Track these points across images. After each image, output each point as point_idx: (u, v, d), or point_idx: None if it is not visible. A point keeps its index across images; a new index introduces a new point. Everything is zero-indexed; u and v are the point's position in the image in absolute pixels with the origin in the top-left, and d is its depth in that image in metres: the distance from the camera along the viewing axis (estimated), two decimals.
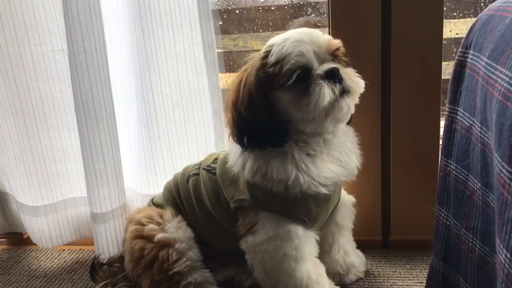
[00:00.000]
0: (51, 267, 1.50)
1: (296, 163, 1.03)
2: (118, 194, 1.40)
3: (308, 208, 1.07)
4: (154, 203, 1.26)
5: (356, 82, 1.02)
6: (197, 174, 1.18)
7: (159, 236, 1.13)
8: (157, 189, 1.41)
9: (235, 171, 1.09)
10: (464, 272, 0.84)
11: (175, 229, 1.15)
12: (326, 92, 0.96)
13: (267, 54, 1.00)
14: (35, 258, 1.56)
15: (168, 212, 1.18)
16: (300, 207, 1.06)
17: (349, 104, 1.01)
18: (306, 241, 1.08)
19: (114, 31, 1.35)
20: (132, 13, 1.30)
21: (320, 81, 0.97)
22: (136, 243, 1.15)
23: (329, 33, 1.29)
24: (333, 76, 0.98)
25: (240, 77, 1.03)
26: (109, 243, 1.41)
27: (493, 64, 0.69)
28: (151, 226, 1.15)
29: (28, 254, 1.59)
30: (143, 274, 1.14)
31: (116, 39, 1.36)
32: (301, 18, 1.51)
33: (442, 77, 1.28)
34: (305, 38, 0.99)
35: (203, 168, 1.18)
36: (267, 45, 1.03)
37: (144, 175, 1.43)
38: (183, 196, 1.20)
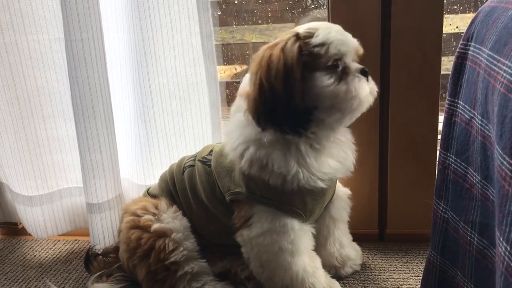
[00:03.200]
0: (46, 257, 1.49)
1: (298, 158, 1.02)
2: (114, 185, 1.39)
3: (304, 201, 1.07)
4: (149, 193, 1.25)
5: (374, 87, 1.05)
6: (193, 165, 1.18)
7: (155, 226, 1.13)
8: (153, 180, 1.40)
9: (231, 158, 1.08)
10: (461, 265, 0.84)
11: (171, 219, 1.14)
12: (366, 86, 1.00)
13: (309, 34, 0.98)
14: (30, 248, 1.55)
15: (163, 203, 1.17)
16: (296, 200, 1.06)
17: (371, 104, 1.05)
18: (302, 234, 1.08)
19: (112, 20, 1.34)
20: (130, 3, 1.28)
21: (359, 75, 0.99)
22: (132, 233, 1.14)
23: None
24: (365, 75, 1.01)
25: (270, 52, 0.98)
26: (104, 233, 1.41)
27: (496, 56, 0.69)
28: (147, 216, 1.15)
29: (23, 244, 1.58)
30: (139, 264, 1.14)
31: (113, 29, 1.35)
32: (307, 14, 1.50)
33: (441, 72, 1.28)
34: (345, 33, 1.01)
35: (199, 160, 1.17)
36: (307, 27, 1.01)
37: (140, 166, 1.43)
38: (178, 187, 1.19)
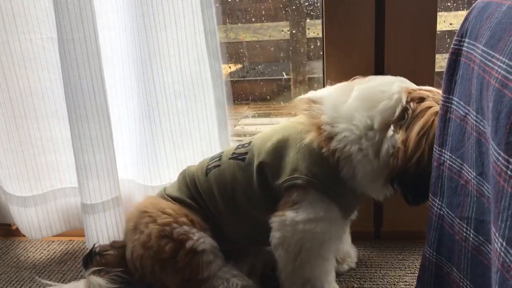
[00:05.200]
0: (40, 258, 1.48)
1: (374, 178, 1.03)
2: (110, 186, 1.37)
3: (355, 198, 1.09)
4: (168, 195, 1.21)
5: None
6: (218, 165, 1.16)
7: (190, 243, 1.11)
8: (159, 181, 1.39)
9: (326, 121, 1.04)
10: (457, 261, 0.84)
11: (203, 238, 1.13)
12: None
13: None
14: (24, 249, 1.54)
15: (196, 221, 1.15)
16: (349, 196, 1.07)
17: None
18: (345, 228, 1.12)
19: (113, 19, 1.32)
20: (132, 0, 1.27)
21: None
22: (166, 243, 1.11)
23: (322, 24, 1.29)
24: None
25: (434, 118, 0.98)
26: (98, 235, 1.40)
27: (490, 52, 0.68)
28: (180, 230, 1.12)
29: (17, 245, 1.57)
30: (171, 273, 1.13)
31: (115, 28, 1.33)
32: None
33: (436, 70, 1.28)
34: None
35: (229, 158, 1.15)
36: None
37: (146, 166, 1.41)
38: (202, 190, 1.17)
